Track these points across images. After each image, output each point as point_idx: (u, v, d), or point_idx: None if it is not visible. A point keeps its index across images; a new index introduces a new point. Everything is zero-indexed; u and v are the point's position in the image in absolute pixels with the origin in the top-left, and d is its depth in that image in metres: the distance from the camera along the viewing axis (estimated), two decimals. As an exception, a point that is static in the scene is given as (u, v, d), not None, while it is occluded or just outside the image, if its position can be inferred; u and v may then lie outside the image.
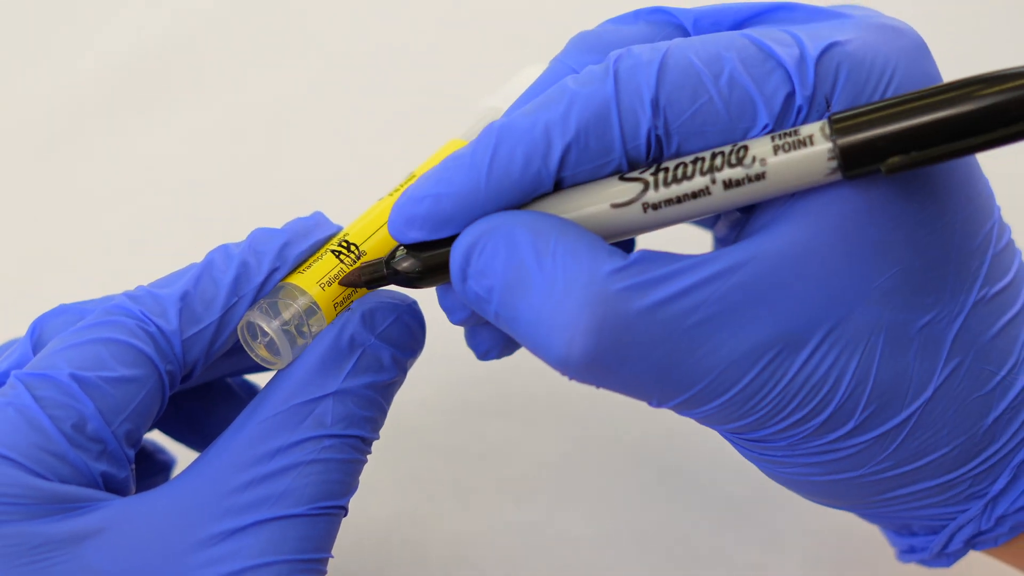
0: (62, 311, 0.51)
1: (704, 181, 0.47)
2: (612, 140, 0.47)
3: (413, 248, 0.48)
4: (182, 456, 0.60)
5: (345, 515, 0.50)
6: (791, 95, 0.47)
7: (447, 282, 0.49)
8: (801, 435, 0.48)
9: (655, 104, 0.46)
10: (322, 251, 0.51)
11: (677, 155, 0.47)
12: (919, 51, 0.48)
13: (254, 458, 0.48)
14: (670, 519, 0.64)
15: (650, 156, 0.47)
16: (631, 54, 0.47)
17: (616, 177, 0.47)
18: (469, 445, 0.67)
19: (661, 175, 0.47)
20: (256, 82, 0.83)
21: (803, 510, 0.64)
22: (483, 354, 0.52)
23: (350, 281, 0.50)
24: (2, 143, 0.80)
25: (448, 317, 0.51)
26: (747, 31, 0.48)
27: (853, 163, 0.46)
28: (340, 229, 0.53)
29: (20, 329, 0.54)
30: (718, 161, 0.47)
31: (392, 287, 0.50)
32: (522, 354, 0.64)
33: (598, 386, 0.47)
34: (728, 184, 0.46)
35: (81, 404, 0.47)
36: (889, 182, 0.47)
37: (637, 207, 0.47)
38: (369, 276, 0.50)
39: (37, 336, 0.50)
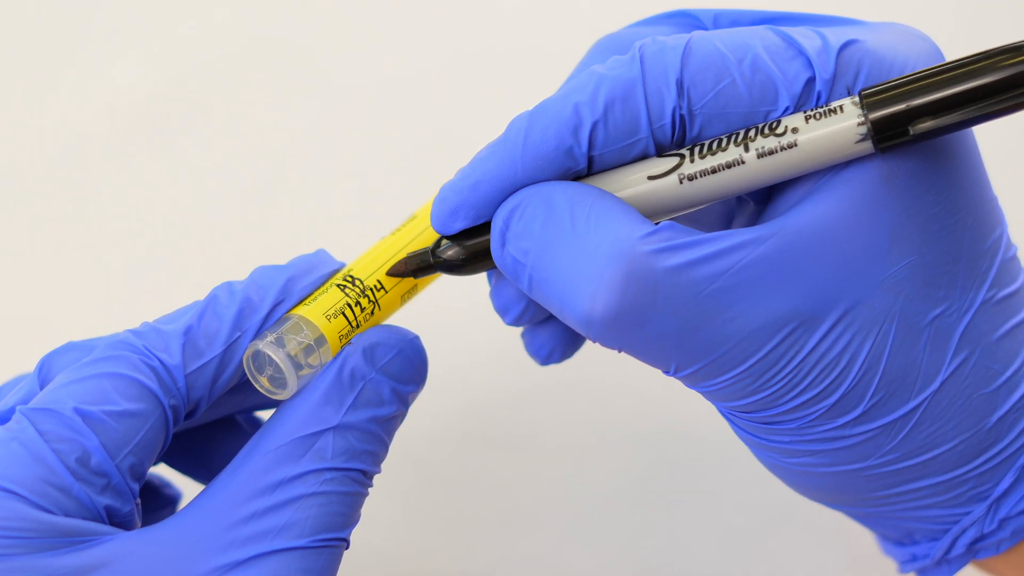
0: (70, 348, 0.51)
1: (738, 151, 0.48)
2: (639, 117, 0.48)
3: (456, 237, 0.50)
4: (189, 490, 0.60)
5: (347, 547, 0.50)
6: (811, 80, 0.48)
7: (491, 267, 0.51)
8: (811, 417, 0.49)
9: (680, 84, 0.48)
10: (327, 285, 0.51)
11: (699, 138, 0.49)
12: (936, 56, 0.50)
13: (256, 491, 0.48)
14: (675, 551, 0.64)
15: (675, 137, 0.49)
16: (656, 41, 0.49)
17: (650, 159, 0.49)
18: (474, 478, 0.67)
19: (697, 148, 0.49)
20: (263, 120, 0.83)
21: (809, 542, 0.64)
22: (546, 357, 0.54)
23: (398, 271, 0.52)
24: (11, 179, 0.80)
25: (503, 318, 0.53)
26: (770, 25, 0.50)
27: (883, 127, 0.47)
28: (343, 265, 0.53)
29: (27, 365, 0.54)
30: (752, 133, 0.48)
31: (394, 323, 0.51)
32: (527, 386, 0.64)
33: (619, 348, 0.48)
34: (761, 153, 0.48)
35: (85, 438, 0.48)
36: (908, 173, 0.48)
37: (673, 179, 0.49)
38: (416, 265, 0.52)
39: (44, 372, 0.51)
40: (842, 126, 0.48)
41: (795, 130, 0.48)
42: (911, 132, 0.47)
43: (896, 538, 0.55)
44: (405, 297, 0.53)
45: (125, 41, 0.87)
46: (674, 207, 0.50)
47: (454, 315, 0.69)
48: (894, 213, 0.48)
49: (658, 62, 0.48)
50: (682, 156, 0.49)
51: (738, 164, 0.48)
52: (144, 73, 0.85)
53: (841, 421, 0.49)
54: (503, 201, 0.49)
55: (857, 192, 0.48)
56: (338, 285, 0.51)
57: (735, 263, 0.48)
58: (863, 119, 0.47)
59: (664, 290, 0.47)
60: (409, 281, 0.53)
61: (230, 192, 0.80)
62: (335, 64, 0.86)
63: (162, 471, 0.60)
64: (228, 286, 0.52)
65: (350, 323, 0.51)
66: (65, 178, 0.80)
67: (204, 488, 0.50)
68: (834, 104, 0.48)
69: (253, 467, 0.49)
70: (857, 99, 0.48)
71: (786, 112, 0.48)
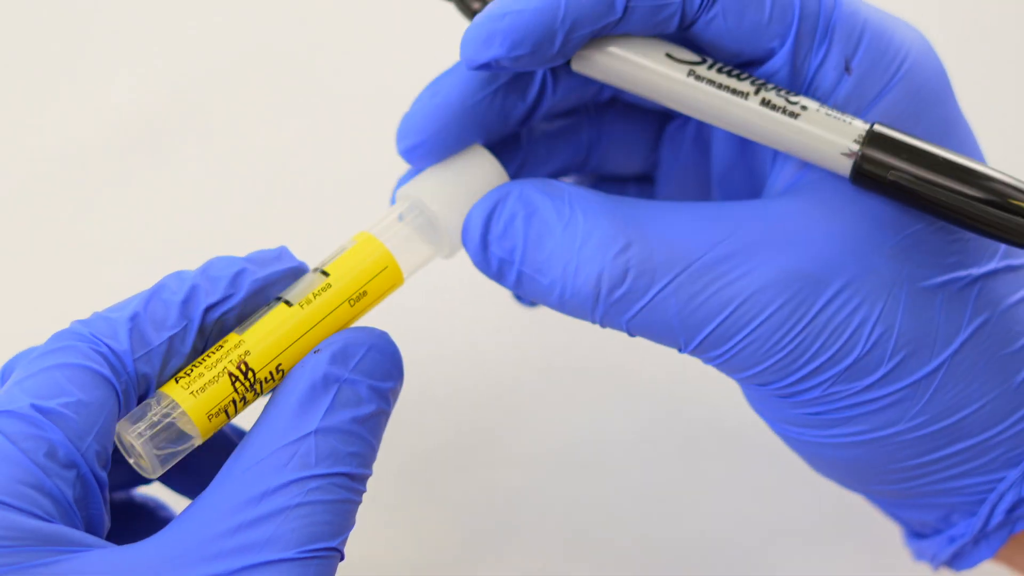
0: (29, 351, 0.51)
1: (748, 87, 0.50)
2: None
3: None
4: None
5: (341, 559, 0.49)
6: (818, 28, 0.51)
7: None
8: (829, 381, 0.50)
9: None
10: (219, 367, 0.50)
11: (711, 22, 0.50)
12: (927, 44, 0.52)
13: (239, 504, 0.48)
14: (679, 567, 0.64)
15: (700, 10, 0.50)
16: None
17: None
18: (477, 495, 0.67)
19: (717, 64, 0.51)
20: (264, 131, 0.83)
21: (817, 555, 0.64)
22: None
23: None
24: (12, 190, 0.80)
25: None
26: None
27: (869, 165, 0.49)
28: (301, 265, 0.53)
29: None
30: (768, 84, 0.51)
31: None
32: (528, 403, 0.64)
33: (627, 327, 0.50)
34: (764, 103, 0.50)
35: (48, 432, 0.47)
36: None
37: (685, 69, 0.51)
38: None
39: (5, 378, 0.51)
40: (841, 132, 0.49)
41: (804, 108, 0.50)
42: (887, 179, 0.49)
43: (932, 524, 0.54)
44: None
45: (125, 52, 0.87)
46: (671, 99, 0.51)
47: (454, 328, 0.69)
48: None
49: None
50: (703, 59, 0.51)
51: (740, 96, 0.50)
52: (145, 84, 0.86)
53: (862, 384, 0.50)
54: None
55: (847, 184, 0.50)
56: (230, 375, 0.50)
57: (734, 228, 0.50)
58: (857, 146, 0.49)
59: (663, 254, 0.49)
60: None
61: (231, 203, 0.80)
62: (335, 74, 0.86)
63: (157, 492, 0.59)
64: (178, 274, 0.52)
65: (227, 416, 0.50)
66: (66, 189, 0.81)
67: (189, 505, 0.49)
68: (850, 117, 0.50)
69: (235, 480, 0.48)
70: (865, 129, 0.49)
71: (784, 63, 0.51)
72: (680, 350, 0.51)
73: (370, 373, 0.50)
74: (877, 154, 0.49)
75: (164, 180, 0.81)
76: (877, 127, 0.49)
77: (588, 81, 0.56)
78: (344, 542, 0.49)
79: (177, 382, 0.50)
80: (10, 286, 0.77)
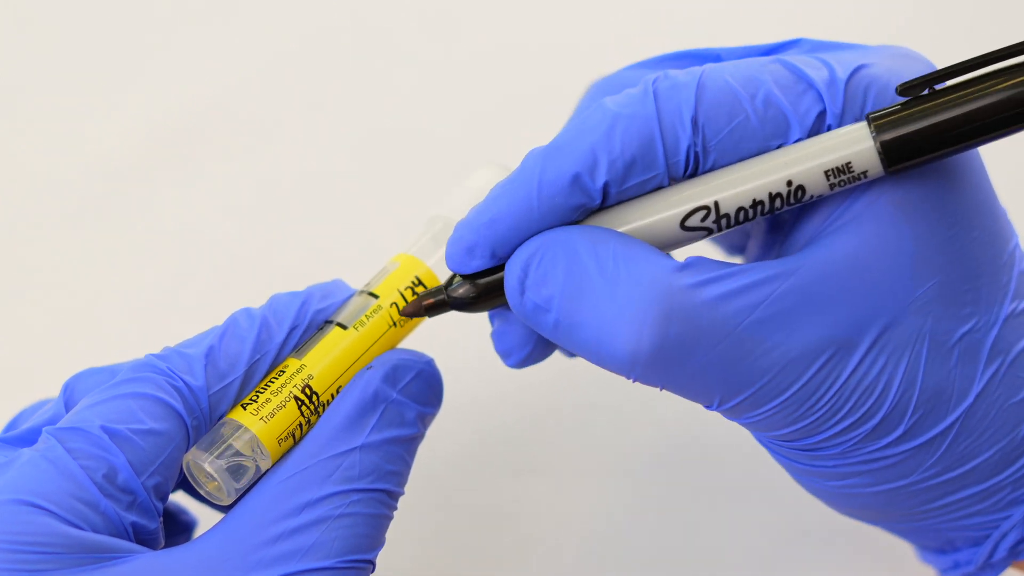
0: (93, 372, 0.52)
1: (761, 218, 0.50)
2: (656, 158, 0.49)
3: (468, 276, 0.51)
4: (205, 517, 0.60)
5: (372, 571, 0.50)
6: (823, 113, 0.49)
7: (502, 304, 0.51)
8: (854, 440, 0.50)
9: (695, 122, 0.49)
10: (284, 391, 0.51)
11: (712, 168, 0.49)
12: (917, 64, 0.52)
13: (282, 512, 0.49)
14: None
15: (687, 172, 0.49)
16: (668, 76, 0.49)
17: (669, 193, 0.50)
18: (494, 504, 0.67)
19: (723, 221, 0.50)
20: (291, 148, 0.83)
21: (831, 566, 0.64)
22: (518, 360, 0.54)
23: (410, 312, 0.52)
24: (35, 207, 0.81)
25: (505, 361, 0.53)
26: (777, 56, 0.50)
27: (894, 149, 0.48)
28: (356, 292, 0.54)
29: (52, 388, 0.54)
30: (777, 203, 0.49)
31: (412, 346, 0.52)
32: (548, 412, 0.64)
33: (662, 386, 0.49)
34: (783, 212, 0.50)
35: (112, 455, 0.48)
36: (919, 199, 0.50)
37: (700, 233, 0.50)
38: (430, 303, 0.52)
39: (68, 395, 0.51)
40: (854, 133, 0.49)
41: (820, 197, 0.50)
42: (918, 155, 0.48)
43: (937, 547, 0.55)
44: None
45: (152, 68, 0.87)
46: (688, 241, 0.51)
47: (472, 342, 0.70)
48: (913, 237, 0.49)
49: (672, 99, 0.49)
50: (710, 231, 0.50)
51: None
52: (172, 100, 0.86)
53: (884, 442, 0.50)
54: (519, 240, 0.50)
55: (873, 223, 0.49)
56: (296, 399, 0.51)
57: (769, 294, 0.48)
58: (874, 141, 0.48)
59: (704, 324, 0.48)
60: None
61: (258, 217, 0.80)
62: (361, 89, 0.86)
63: (178, 498, 0.60)
64: (247, 311, 0.52)
65: (294, 439, 0.51)
66: (93, 203, 0.81)
67: (230, 510, 0.50)
68: (856, 169, 0.49)
69: (279, 489, 0.49)
70: (866, 124, 0.49)
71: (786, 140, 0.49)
72: (709, 408, 0.50)
73: (415, 397, 0.52)
74: (893, 118, 0.49)
75: (191, 195, 0.81)
76: (873, 115, 0.49)
77: None
78: (376, 556, 0.50)
79: (244, 408, 0.50)
80: (41, 298, 0.77)
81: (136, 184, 0.82)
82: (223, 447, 0.50)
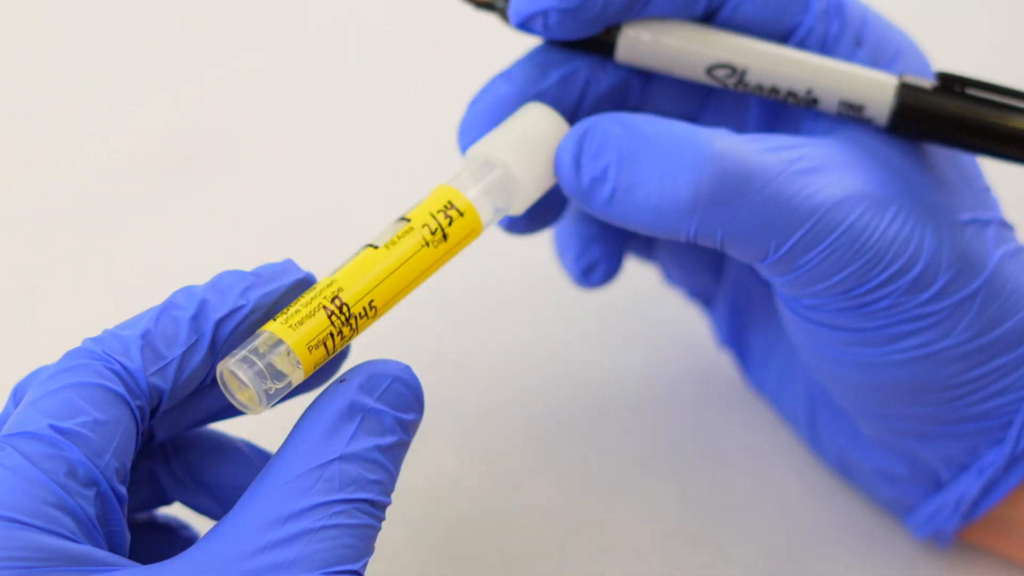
0: (40, 371, 0.52)
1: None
2: None
3: None
4: (203, 529, 0.60)
5: (360, 582, 0.50)
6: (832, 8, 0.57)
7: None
8: (899, 291, 0.55)
9: None
10: (314, 303, 0.51)
11: (740, 6, 0.56)
12: (915, 45, 0.58)
13: (264, 525, 0.48)
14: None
15: None
16: None
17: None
18: (499, 513, 0.67)
19: (740, 87, 0.56)
20: (294, 158, 0.83)
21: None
22: (585, 271, 0.62)
23: None
24: (39, 221, 0.81)
25: (570, 263, 0.61)
26: None
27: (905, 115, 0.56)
28: (308, 275, 0.53)
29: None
30: (790, 100, 0.56)
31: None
32: (554, 418, 0.64)
33: (722, 233, 0.54)
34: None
35: (67, 452, 0.48)
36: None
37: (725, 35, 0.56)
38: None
39: (18, 399, 0.51)
40: (884, 75, 0.55)
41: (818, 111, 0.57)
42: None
43: (958, 459, 0.59)
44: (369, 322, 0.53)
45: (156, 78, 0.87)
46: (718, 59, 0.56)
47: (481, 348, 0.69)
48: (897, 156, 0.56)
49: None
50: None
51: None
52: (175, 109, 0.86)
53: (925, 295, 0.55)
54: None
55: (874, 133, 0.56)
56: (325, 308, 0.51)
57: (807, 152, 0.54)
58: (898, 81, 0.55)
59: (756, 165, 0.53)
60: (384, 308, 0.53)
61: (261, 227, 0.80)
62: (366, 99, 0.86)
63: (179, 512, 0.59)
64: (187, 290, 0.52)
65: (327, 351, 0.51)
66: (96, 213, 0.81)
67: (215, 525, 0.50)
68: (868, 102, 0.55)
69: (263, 501, 0.49)
70: (897, 81, 0.55)
71: (810, 31, 0.56)
72: (764, 260, 0.54)
73: (393, 404, 0.51)
74: (918, 84, 0.55)
75: (195, 204, 0.81)
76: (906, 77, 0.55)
77: (629, 79, 0.58)
78: (364, 567, 0.50)
79: (275, 320, 0.51)
80: (41, 308, 0.77)
81: (138, 188, 0.82)
82: (254, 355, 0.50)
